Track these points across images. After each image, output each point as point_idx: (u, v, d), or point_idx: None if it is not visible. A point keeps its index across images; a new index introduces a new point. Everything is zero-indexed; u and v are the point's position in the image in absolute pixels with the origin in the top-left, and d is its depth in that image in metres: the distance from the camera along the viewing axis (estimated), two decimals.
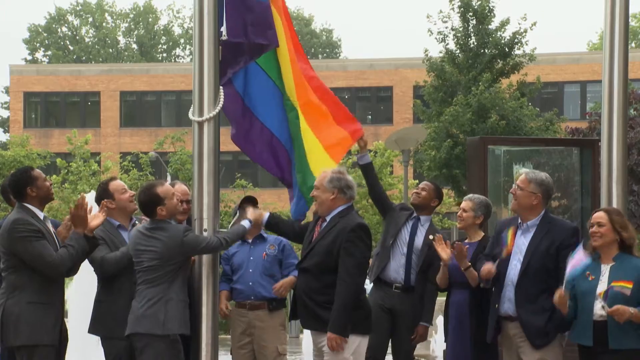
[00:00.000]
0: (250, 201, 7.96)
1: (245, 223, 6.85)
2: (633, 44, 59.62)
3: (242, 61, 6.09)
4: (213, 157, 5.84)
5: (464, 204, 7.66)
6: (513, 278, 6.91)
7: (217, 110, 5.65)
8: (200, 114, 5.78)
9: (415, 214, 8.27)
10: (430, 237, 7.79)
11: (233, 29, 5.76)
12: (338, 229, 6.74)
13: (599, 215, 6.37)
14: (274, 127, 6.67)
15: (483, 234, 7.74)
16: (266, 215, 7.23)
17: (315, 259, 6.78)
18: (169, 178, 27.13)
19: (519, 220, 7.01)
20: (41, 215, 6.58)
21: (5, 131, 58.25)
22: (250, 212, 6.96)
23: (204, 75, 5.79)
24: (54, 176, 31.36)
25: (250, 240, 8.04)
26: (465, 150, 20.52)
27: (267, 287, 7.95)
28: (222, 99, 5.73)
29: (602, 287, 6.32)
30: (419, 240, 8.10)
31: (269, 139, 6.69)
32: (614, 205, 6.75)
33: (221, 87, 5.80)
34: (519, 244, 6.94)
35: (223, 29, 5.78)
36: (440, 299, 8.09)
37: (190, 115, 5.64)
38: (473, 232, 7.69)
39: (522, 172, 7.19)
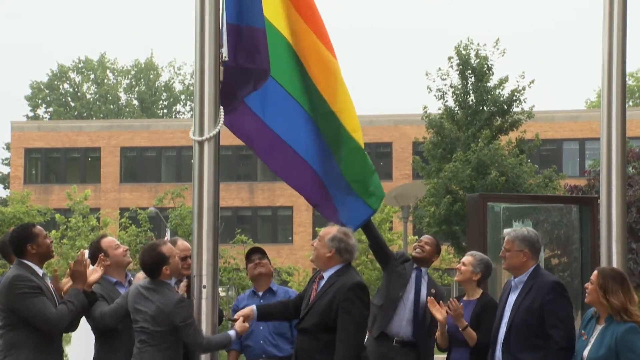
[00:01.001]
0: (258, 252, 7.92)
1: (232, 333, 6.68)
2: (630, 103, 59.93)
3: (252, 83, 6.11)
4: (213, 177, 5.85)
5: (465, 258, 7.70)
6: (500, 336, 6.93)
7: (217, 130, 5.69)
8: (201, 133, 5.81)
9: (415, 266, 8.29)
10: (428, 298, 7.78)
11: (229, 53, 5.85)
12: (336, 288, 6.72)
13: (593, 273, 6.40)
14: (299, 147, 6.61)
15: (481, 291, 7.73)
16: (254, 309, 6.97)
17: (314, 319, 6.75)
18: (168, 234, 27.08)
19: (512, 278, 7.06)
20: (40, 272, 6.57)
21: (5, 187, 58.27)
22: (238, 324, 6.75)
23: (204, 95, 5.84)
24: (53, 232, 31.34)
25: (260, 294, 7.98)
26: (464, 207, 20.52)
27: (279, 345, 7.85)
28: (222, 119, 5.77)
29: (588, 348, 6.30)
30: (423, 294, 8.12)
31: (293, 158, 6.62)
32: (614, 263, 6.74)
33: (221, 107, 5.83)
34: (509, 302, 6.98)
35: (224, 50, 5.84)
36: (441, 357, 8.04)
37: (190, 135, 5.68)
38: (471, 289, 7.68)
39: (505, 234, 7.25)
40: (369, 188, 7.05)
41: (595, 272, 6.37)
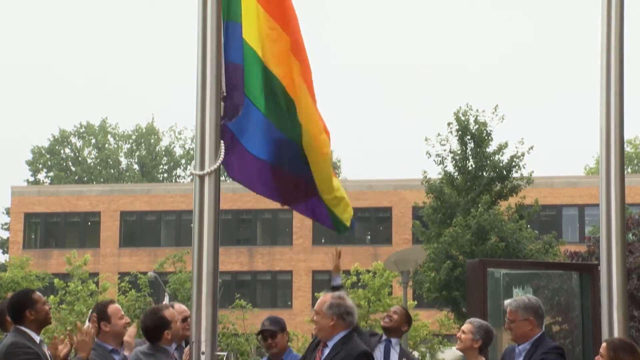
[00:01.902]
0: (268, 332, 7.79)
1: None
2: (629, 170, 60.13)
3: (230, 114, 6.18)
4: (214, 212, 5.88)
5: (464, 326, 7.66)
6: None
7: (218, 164, 5.75)
8: (202, 167, 5.87)
9: (385, 337, 8.32)
10: None
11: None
12: (341, 357, 6.64)
13: (602, 346, 6.34)
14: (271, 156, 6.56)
15: (484, 358, 7.67)
16: None
17: None
18: (166, 298, 26.96)
19: (516, 345, 7.07)
20: (37, 339, 6.53)
21: (4, 252, 58.18)
22: None
23: (205, 129, 5.90)
24: (51, 297, 31.20)
25: None
26: (465, 272, 20.46)
27: None
28: (222, 154, 5.83)
29: None
30: None
31: (265, 168, 6.54)
32: (615, 330, 6.69)
33: (222, 142, 5.88)
34: None
35: (223, 84, 5.93)
36: None
37: (191, 169, 5.74)
38: (473, 356, 7.62)
39: (506, 305, 7.22)
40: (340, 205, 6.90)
41: (604, 344, 6.30)
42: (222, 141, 5.84)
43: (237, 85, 5.97)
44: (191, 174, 5.82)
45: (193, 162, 5.83)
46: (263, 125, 6.19)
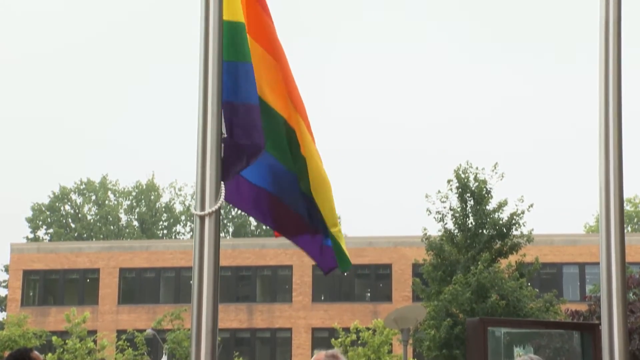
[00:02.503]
0: None
1: None
2: (629, 228, 60.10)
3: (246, 159, 6.21)
4: (214, 251, 5.89)
5: None
6: None
7: (218, 205, 5.78)
8: (202, 208, 5.91)
9: None
10: None
11: (226, 129, 5.99)
12: None
13: None
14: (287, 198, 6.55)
15: None
16: None
17: None
18: (165, 358, 26.78)
19: None
20: None
21: (1, 310, 57.91)
22: None
23: (206, 170, 5.95)
24: (49, 354, 30.99)
25: None
26: (465, 330, 20.34)
27: None
28: (223, 194, 5.86)
29: None
30: None
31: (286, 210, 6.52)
32: None
33: (222, 183, 5.91)
34: None
35: (223, 125, 5.99)
36: None
37: (192, 209, 5.77)
38: None
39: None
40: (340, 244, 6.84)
41: None
42: (222, 183, 5.89)
43: (255, 124, 6.00)
44: (192, 214, 5.87)
45: (194, 202, 5.89)
46: (262, 155, 6.24)
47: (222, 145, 5.92)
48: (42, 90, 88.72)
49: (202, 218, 5.83)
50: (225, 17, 5.92)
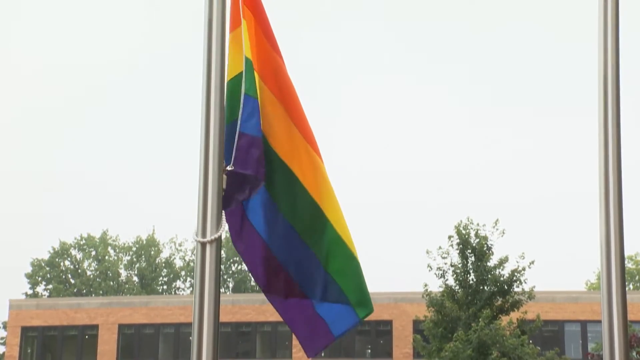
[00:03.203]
0: None
1: None
2: (631, 286, 59.84)
3: (248, 190, 6.19)
4: (215, 279, 5.89)
5: None
6: None
7: (219, 233, 5.80)
8: (204, 235, 5.93)
9: None
10: None
11: (230, 158, 5.98)
12: None
13: None
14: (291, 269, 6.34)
15: None
16: None
17: None
18: None
19: None
20: None
21: None
22: None
23: (207, 197, 5.97)
24: None
25: None
26: None
27: None
28: (224, 223, 5.88)
29: None
30: None
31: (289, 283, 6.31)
32: None
33: (223, 212, 5.92)
34: None
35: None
36: None
37: (193, 237, 5.78)
38: None
39: None
40: (357, 291, 6.54)
41: None
42: (223, 211, 5.92)
43: (255, 155, 5.99)
44: (193, 240, 5.88)
45: (194, 229, 5.94)
46: (261, 194, 6.19)
47: (225, 177, 5.95)
48: (41, 145, 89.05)
49: (203, 245, 5.85)
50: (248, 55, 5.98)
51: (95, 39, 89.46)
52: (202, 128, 6.00)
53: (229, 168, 5.96)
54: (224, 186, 5.96)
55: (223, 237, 5.89)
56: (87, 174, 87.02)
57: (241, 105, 5.98)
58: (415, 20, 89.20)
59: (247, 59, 5.95)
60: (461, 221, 31.64)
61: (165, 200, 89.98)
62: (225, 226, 5.92)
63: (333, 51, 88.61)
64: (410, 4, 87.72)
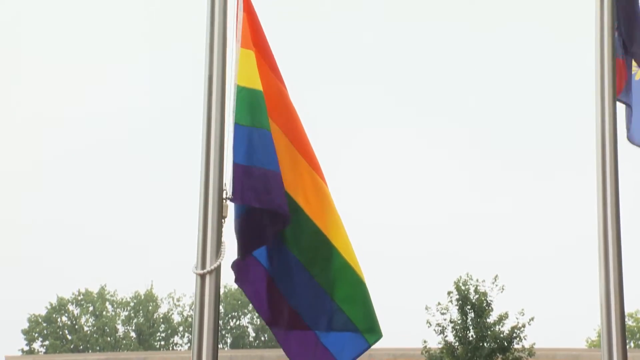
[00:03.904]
0: None
1: None
2: (632, 344, 59.47)
3: (259, 236, 6.07)
4: (214, 310, 5.85)
5: None
6: None
7: (218, 263, 5.76)
8: (203, 266, 5.90)
9: None
10: None
11: (235, 191, 5.84)
12: None
13: None
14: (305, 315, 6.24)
15: None
16: None
17: None
18: None
19: None
20: None
21: None
22: None
23: (207, 229, 5.94)
24: None
25: None
26: None
27: None
28: (223, 253, 5.83)
29: None
30: None
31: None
32: None
33: (223, 241, 5.85)
34: None
35: (228, 186, 5.90)
36: None
37: (192, 269, 5.75)
38: None
39: None
40: (366, 317, 6.50)
41: None
42: (223, 241, 5.88)
43: (270, 189, 5.86)
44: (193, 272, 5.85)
45: (194, 262, 5.91)
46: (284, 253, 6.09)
47: (224, 204, 5.90)
48: (38, 200, 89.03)
49: (202, 276, 5.80)
50: (239, 83, 5.91)
51: (93, 89, 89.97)
52: (202, 157, 5.91)
53: (228, 196, 5.90)
54: (224, 214, 5.93)
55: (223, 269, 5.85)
56: (87, 230, 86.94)
57: (249, 139, 5.86)
58: (405, 76, 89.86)
59: (243, 88, 5.85)
60: (460, 277, 31.56)
61: (164, 256, 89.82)
62: (225, 254, 5.88)
63: (333, 106, 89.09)
64: (399, 62, 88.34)
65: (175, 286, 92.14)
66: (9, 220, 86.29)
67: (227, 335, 71.52)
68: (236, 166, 5.83)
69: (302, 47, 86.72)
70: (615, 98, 6.02)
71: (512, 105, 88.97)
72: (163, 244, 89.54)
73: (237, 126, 5.81)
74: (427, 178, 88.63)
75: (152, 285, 76.76)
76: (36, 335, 67.20)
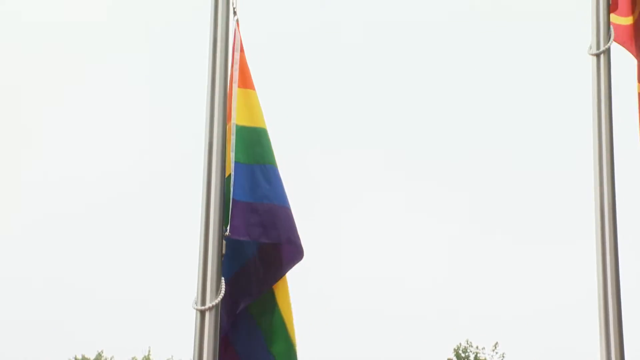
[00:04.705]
0: None
1: None
2: None
3: (285, 259, 6.04)
4: (213, 346, 5.83)
5: None
6: None
7: (218, 300, 5.77)
8: (203, 303, 5.91)
9: None
10: None
11: (236, 227, 5.83)
12: None
13: None
14: None
15: None
16: None
17: None
18: None
19: None
20: None
21: None
22: None
23: (207, 265, 5.96)
24: None
25: None
26: None
27: None
28: (223, 290, 5.83)
29: None
30: None
31: None
32: None
33: (222, 279, 5.86)
34: None
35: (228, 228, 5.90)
36: None
37: (192, 305, 5.77)
38: None
39: None
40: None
41: None
42: (222, 278, 5.91)
43: (276, 224, 5.86)
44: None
45: (193, 298, 5.94)
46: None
47: (224, 242, 5.92)
48: (32, 267, 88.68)
49: (202, 312, 5.97)
50: (238, 122, 5.81)
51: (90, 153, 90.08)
52: (204, 194, 5.89)
53: (226, 233, 5.93)
54: (224, 251, 5.95)
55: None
56: (85, 293, 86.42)
57: (251, 176, 5.86)
58: (405, 140, 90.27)
59: (242, 127, 5.87)
60: (460, 344, 31.40)
61: (162, 320, 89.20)
62: (223, 292, 5.90)
63: (332, 173, 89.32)
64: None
65: (173, 352, 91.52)
66: (4, 278, 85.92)
67: None
68: (235, 203, 5.85)
69: (299, 111, 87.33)
70: (613, 164, 5.98)
71: (514, 166, 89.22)
72: (161, 307, 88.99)
73: (237, 164, 5.83)
74: (427, 239, 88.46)
75: (149, 351, 76.16)
76: None
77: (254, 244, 6.06)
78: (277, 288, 6.30)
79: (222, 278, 6.00)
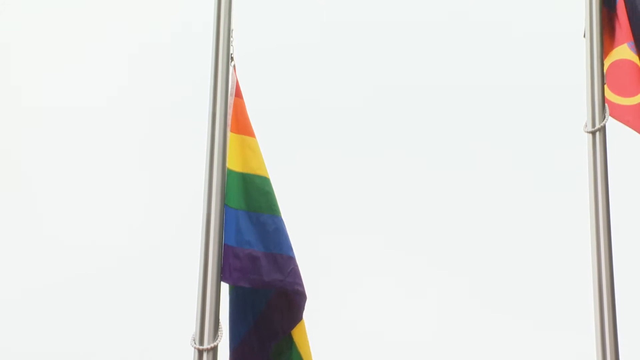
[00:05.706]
0: None
1: None
2: None
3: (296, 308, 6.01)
4: None
5: None
6: None
7: (218, 341, 5.77)
8: (201, 342, 5.89)
9: None
10: None
11: (223, 272, 5.88)
12: None
13: None
14: None
15: None
16: None
17: None
18: None
19: None
20: None
21: None
22: None
23: (206, 306, 5.96)
24: None
25: None
26: None
27: None
28: (221, 335, 5.83)
29: None
30: None
31: None
32: None
33: (221, 324, 5.87)
34: None
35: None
36: None
37: (191, 343, 5.75)
38: None
39: None
40: None
41: None
42: (221, 323, 5.91)
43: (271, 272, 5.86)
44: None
45: (192, 335, 5.93)
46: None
47: (221, 282, 5.91)
48: (26, 332, 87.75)
49: (200, 352, 5.91)
50: (229, 167, 5.78)
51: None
52: (203, 240, 5.91)
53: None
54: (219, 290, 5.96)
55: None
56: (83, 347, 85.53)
57: (247, 223, 5.87)
58: (408, 225, 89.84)
59: (231, 172, 5.80)
60: None
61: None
62: (222, 337, 5.89)
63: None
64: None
65: None
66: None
67: None
68: (226, 247, 5.88)
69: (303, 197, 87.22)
70: (610, 245, 5.94)
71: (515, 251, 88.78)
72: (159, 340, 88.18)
73: (226, 208, 5.84)
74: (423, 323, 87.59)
75: None
76: None
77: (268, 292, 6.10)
78: (295, 331, 6.29)
79: (220, 323, 6.01)
